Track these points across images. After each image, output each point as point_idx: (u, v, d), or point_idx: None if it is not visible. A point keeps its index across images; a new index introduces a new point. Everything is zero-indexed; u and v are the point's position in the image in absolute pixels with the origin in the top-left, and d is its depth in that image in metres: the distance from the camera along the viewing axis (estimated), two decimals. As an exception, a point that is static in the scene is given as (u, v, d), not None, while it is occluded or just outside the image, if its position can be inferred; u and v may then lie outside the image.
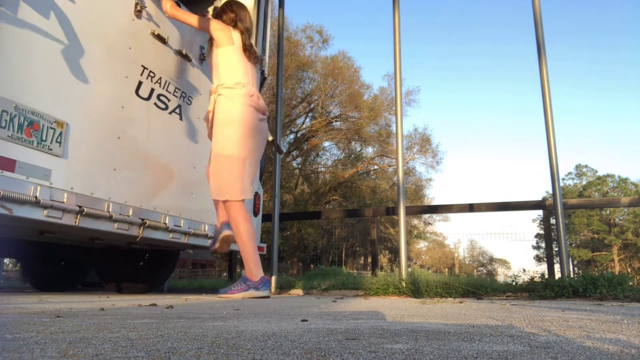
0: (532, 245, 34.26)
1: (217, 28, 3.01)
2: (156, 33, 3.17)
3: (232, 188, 2.86)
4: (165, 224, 3.15)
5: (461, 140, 70.34)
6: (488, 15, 59.64)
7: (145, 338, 1.02)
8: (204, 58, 3.68)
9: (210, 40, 3.11)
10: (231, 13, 3.11)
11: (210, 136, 3.06)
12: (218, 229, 3.06)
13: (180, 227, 3.31)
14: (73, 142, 2.53)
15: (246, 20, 3.15)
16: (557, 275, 4.64)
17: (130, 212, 2.88)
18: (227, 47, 2.99)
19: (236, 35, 3.03)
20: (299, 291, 4.33)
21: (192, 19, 3.06)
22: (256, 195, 4.27)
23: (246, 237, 2.83)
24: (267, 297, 2.86)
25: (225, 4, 3.20)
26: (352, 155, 25.01)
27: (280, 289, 4.51)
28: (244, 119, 2.91)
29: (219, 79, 2.98)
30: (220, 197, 2.89)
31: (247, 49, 3.03)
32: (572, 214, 36.31)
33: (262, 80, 4.24)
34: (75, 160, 2.54)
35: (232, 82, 2.94)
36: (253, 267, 2.85)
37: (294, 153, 23.00)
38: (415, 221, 27.16)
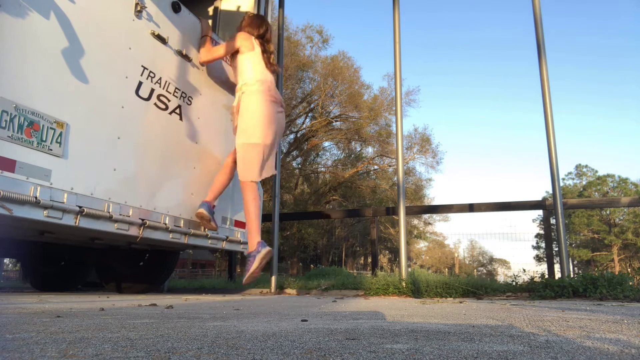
0: (532, 245, 34.24)
1: (243, 38, 3.53)
2: (156, 33, 3.17)
3: (248, 172, 3.35)
4: (165, 224, 3.15)
5: (461, 140, 70.34)
6: (489, 14, 59.63)
7: (145, 338, 1.02)
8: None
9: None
10: (254, 26, 3.63)
11: (235, 130, 3.51)
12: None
13: (180, 227, 3.31)
14: (73, 142, 2.52)
15: (267, 31, 3.68)
16: (557, 275, 4.63)
17: (130, 212, 2.88)
18: (249, 52, 3.51)
19: (256, 43, 3.57)
20: (299, 291, 4.33)
21: (221, 49, 3.56)
22: (256, 195, 4.27)
23: (252, 213, 3.34)
24: (270, 250, 3.30)
25: (248, 16, 3.73)
26: (352, 155, 25.00)
27: (280, 288, 4.51)
28: (262, 111, 3.40)
29: (243, 79, 3.49)
30: (240, 178, 3.37)
31: (266, 52, 3.57)
32: (572, 214, 36.31)
33: None
34: (75, 160, 2.53)
35: (253, 80, 3.45)
36: (253, 238, 3.32)
37: (294, 153, 22.98)
38: (415, 221, 27.15)
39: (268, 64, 3.56)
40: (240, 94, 3.46)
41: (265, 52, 3.57)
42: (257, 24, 3.65)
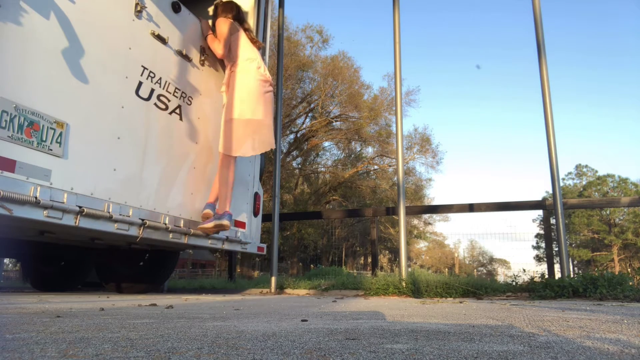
0: (532, 245, 34.17)
1: (227, 22, 3.68)
2: (156, 33, 3.17)
3: (231, 145, 3.45)
4: (165, 224, 3.15)
5: (461, 140, 70.23)
6: (489, 14, 59.63)
7: (145, 338, 1.02)
8: (205, 59, 3.70)
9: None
10: (229, 10, 3.79)
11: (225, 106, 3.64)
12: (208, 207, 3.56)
13: (180, 227, 3.31)
14: (73, 142, 2.52)
15: (240, 12, 3.90)
16: (557, 275, 4.63)
17: (130, 212, 2.88)
18: (236, 34, 3.68)
19: (237, 24, 3.73)
20: (299, 291, 4.33)
21: (224, 32, 3.65)
22: (256, 195, 4.27)
23: (230, 183, 3.46)
24: (227, 225, 3.36)
25: (219, 5, 3.90)
26: (352, 155, 24.99)
27: (280, 288, 4.51)
28: (252, 90, 3.56)
29: (232, 59, 3.65)
30: (222, 151, 3.46)
31: (247, 31, 3.77)
32: (572, 214, 36.29)
33: None
34: (75, 160, 2.53)
35: (243, 58, 3.62)
36: (223, 203, 3.44)
37: (294, 153, 22.97)
38: (415, 221, 27.13)
39: (253, 41, 3.74)
40: (230, 72, 3.61)
41: (246, 30, 3.75)
42: (230, 7, 3.82)
